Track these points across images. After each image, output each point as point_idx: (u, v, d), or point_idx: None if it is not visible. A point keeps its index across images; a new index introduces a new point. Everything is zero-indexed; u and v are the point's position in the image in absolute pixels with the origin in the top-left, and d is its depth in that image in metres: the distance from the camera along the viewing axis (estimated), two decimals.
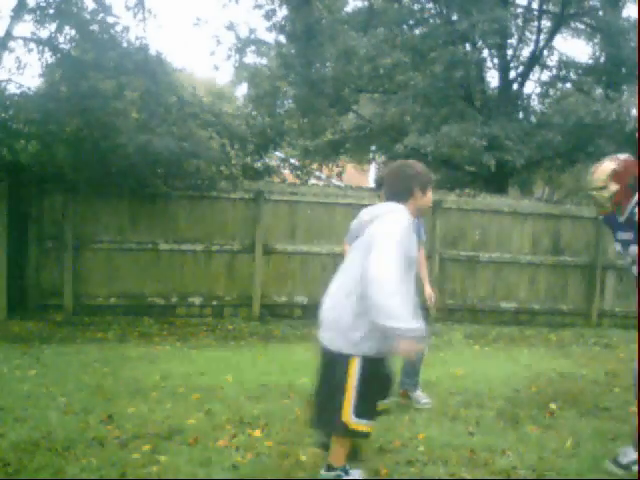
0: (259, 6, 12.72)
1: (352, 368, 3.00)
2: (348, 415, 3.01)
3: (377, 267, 2.83)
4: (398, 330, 2.80)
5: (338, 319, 3.04)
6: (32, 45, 8.80)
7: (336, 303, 3.09)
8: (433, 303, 5.08)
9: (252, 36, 13.25)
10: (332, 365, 3.09)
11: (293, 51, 12.49)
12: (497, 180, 12.56)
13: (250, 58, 14.00)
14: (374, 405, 3.12)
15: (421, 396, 4.91)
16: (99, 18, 8.60)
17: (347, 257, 3.27)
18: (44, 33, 8.68)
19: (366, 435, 3.14)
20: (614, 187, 3.48)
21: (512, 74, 13.33)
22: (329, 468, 3.21)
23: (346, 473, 3.19)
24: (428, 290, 4.99)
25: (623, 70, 12.32)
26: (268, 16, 12.66)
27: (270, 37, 13.30)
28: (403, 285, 2.89)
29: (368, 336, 2.98)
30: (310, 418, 3.35)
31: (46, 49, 8.76)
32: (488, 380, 5.77)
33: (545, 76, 14.21)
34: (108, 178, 8.23)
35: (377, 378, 3.09)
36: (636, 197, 3.45)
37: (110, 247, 8.77)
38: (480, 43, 12.43)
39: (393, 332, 2.82)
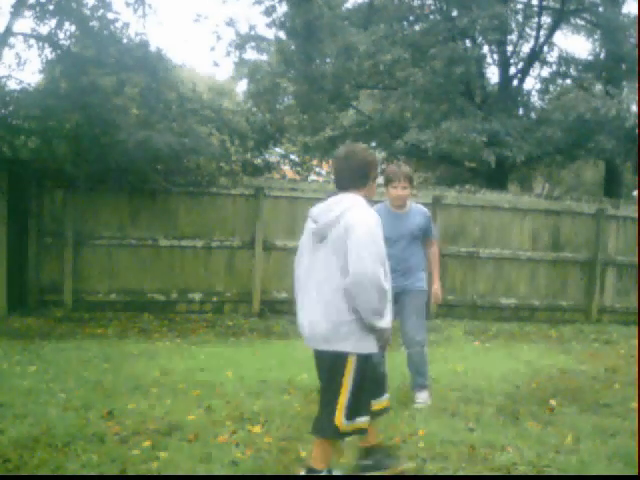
0: (259, 2, 12.70)
1: (349, 367, 2.96)
2: (340, 419, 2.96)
3: (360, 266, 2.82)
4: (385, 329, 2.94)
5: (333, 320, 2.96)
6: (32, 41, 8.81)
7: (324, 307, 2.98)
8: (439, 301, 5.07)
9: (252, 32, 13.26)
10: (326, 367, 3.05)
11: (293, 47, 12.48)
12: (497, 176, 12.56)
13: (250, 54, 14.01)
14: (367, 404, 3.08)
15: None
16: (99, 14, 8.60)
17: (310, 260, 3.11)
18: (44, 29, 8.68)
19: (361, 432, 3.09)
20: None
21: (512, 70, 13.34)
22: (310, 471, 3.07)
23: (329, 473, 3.10)
24: (436, 288, 4.97)
25: (623, 66, 12.33)
26: (268, 12, 12.64)
27: (270, 33, 13.25)
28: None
29: (362, 334, 2.96)
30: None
31: (46, 45, 8.76)
32: (488, 376, 5.77)
33: (545, 72, 14.24)
34: (108, 174, 8.22)
35: (369, 376, 3.05)
36: None
37: (110, 243, 8.76)
38: (480, 39, 12.44)
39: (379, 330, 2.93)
